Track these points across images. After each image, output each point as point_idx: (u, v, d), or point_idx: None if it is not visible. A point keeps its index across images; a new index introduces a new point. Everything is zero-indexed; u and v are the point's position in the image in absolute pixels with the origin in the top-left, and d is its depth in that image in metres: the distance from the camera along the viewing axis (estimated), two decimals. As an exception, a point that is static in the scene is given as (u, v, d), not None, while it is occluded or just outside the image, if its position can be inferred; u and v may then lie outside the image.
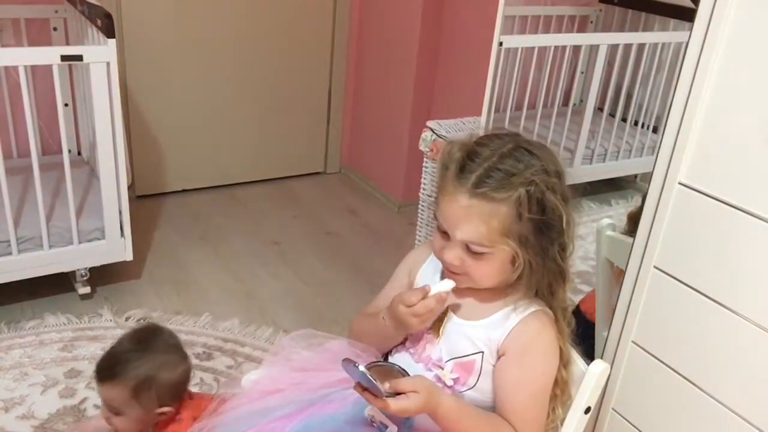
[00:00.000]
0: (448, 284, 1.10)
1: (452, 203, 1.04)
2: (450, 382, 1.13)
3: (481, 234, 1.03)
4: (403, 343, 1.20)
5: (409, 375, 1.10)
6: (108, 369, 1.37)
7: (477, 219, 1.03)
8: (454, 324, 1.15)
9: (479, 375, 1.12)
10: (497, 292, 1.13)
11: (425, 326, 1.13)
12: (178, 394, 1.41)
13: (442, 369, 1.14)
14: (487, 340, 1.11)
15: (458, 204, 1.04)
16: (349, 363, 1.02)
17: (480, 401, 1.13)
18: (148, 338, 1.41)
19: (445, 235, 1.08)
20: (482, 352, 1.11)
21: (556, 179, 1.05)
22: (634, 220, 1.76)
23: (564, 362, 1.13)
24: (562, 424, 1.15)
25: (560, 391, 1.13)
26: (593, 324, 1.91)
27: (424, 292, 1.09)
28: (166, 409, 1.38)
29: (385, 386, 1.02)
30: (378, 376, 1.02)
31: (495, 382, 1.11)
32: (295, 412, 1.15)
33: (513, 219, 1.02)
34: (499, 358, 1.11)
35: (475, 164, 1.03)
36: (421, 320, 1.10)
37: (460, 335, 1.13)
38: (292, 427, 1.12)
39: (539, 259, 1.06)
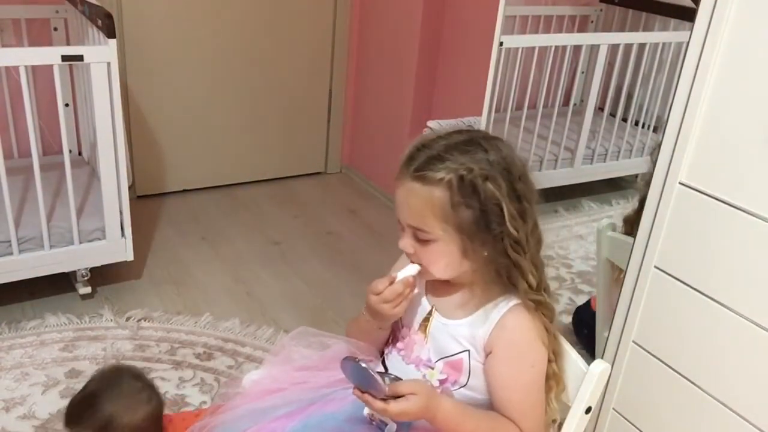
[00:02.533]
0: (413, 268, 1.11)
1: (397, 189, 1.08)
2: (436, 383, 1.13)
3: (420, 217, 1.05)
4: (394, 344, 1.21)
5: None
6: (71, 414, 1.36)
7: (414, 201, 1.05)
8: (439, 323, 1.15)
9: (469, 373, 1.12)
10: (477, 290, 1.13)
11: (399, 312, 1.13)
12: None
13: (432, 369, 1.14)
14: (470, 338, 1.12)
15: (401, 189, 1.07)
16: (349, 361, 1.02)
17: (475, 398, 1.13)
18: (113, 381, 1.39)
19: (400, 225, 1.11)
20: (468, 351, 1.12)
21: (500, 172, 1.04)
22: (630, 223, 1.76)
23: (554, 355, 1.12)
24: (559, 418, 1.15)
25: (555, 383, 1.13)
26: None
27: (391, 279, 1.12)
28: None
29: (385, 390, 1.02)
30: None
31: (487, 380, 1.12)
32: (296, 411, 1.15)
33: (447, 204, 1.03)
34: (487, 355, 1.11)
35: (422, 153, 1.06)
36: (392, 306, 1.11)
37: (445, 334, 1.14)
38: (293, 427, 1.12)
39: (489, 253, 1.07)
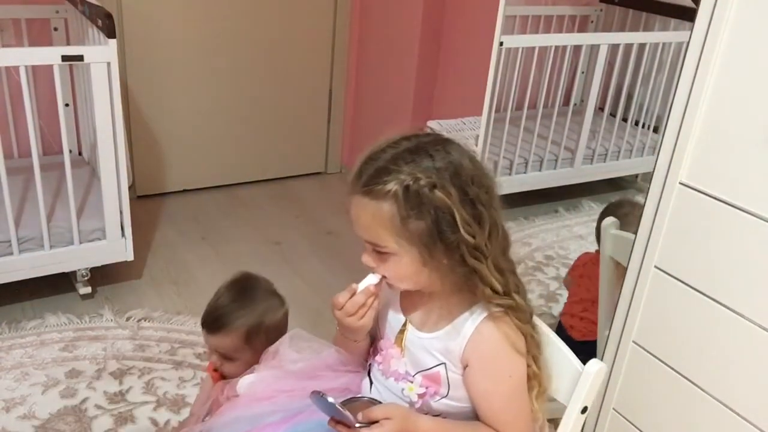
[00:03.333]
0: (374, 278, 1.10)
1: (351, 204, 1.05)
2: (415, 397, 1.13)
3: (373, 232, 1.03)
4: (374, 355, 1.20)
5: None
6: (218, 320, 1.44)
7: (365, 217, 1.03)
8: (413, 336, 1.14)
9: (448, 385, 1.11)
10: (446, 300, 1.11)
11: (367, 323, 1.12)
12: (282, 334, 1.45)
13: (412, 382, 1.13)
14: (444, 351, 1.10)
15: (352, 204, 1.05)
16: (315, 395, 1.02)
17: (459, 407, 1.13)
18: (248, 287, 1.51)
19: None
20: (444, 364, 1.11)
21: (449, 178, 1.01)
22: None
23: (533, 359, 1.11)
24: (542, 418, 1.15)
25: (537, 383, 1.12)
26: (573, 341, 1.91)
27: (352, 291, 1.10)
28: None
29: (358, 417, 1.02)
30: (353, 411, 1.02)
31: (468, 392, 1.11)
32: (284, 419, 1.15)
33: (396, 217, 1.01)
34: (464, 368, 1.10)
35: (370, 166, 1.03)
36: (357, 318, 1.10)
37: (420, 348, 1.13)
38: None
39: (448, 262, 1.04)
